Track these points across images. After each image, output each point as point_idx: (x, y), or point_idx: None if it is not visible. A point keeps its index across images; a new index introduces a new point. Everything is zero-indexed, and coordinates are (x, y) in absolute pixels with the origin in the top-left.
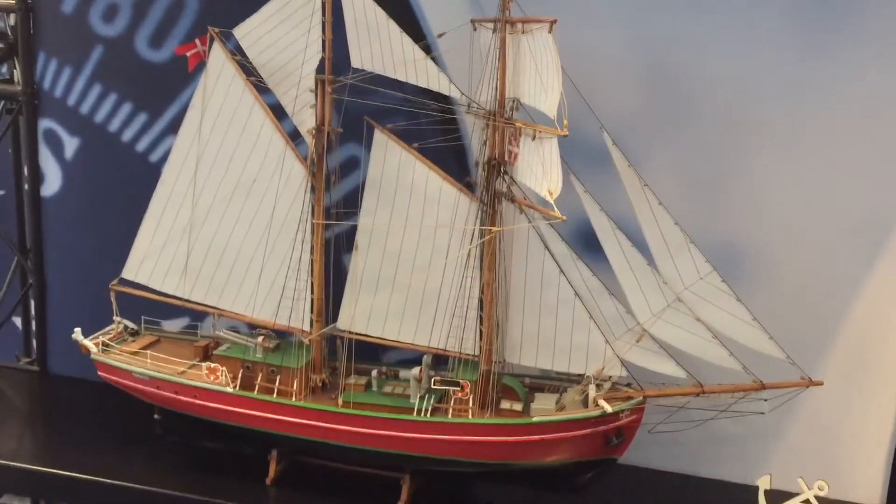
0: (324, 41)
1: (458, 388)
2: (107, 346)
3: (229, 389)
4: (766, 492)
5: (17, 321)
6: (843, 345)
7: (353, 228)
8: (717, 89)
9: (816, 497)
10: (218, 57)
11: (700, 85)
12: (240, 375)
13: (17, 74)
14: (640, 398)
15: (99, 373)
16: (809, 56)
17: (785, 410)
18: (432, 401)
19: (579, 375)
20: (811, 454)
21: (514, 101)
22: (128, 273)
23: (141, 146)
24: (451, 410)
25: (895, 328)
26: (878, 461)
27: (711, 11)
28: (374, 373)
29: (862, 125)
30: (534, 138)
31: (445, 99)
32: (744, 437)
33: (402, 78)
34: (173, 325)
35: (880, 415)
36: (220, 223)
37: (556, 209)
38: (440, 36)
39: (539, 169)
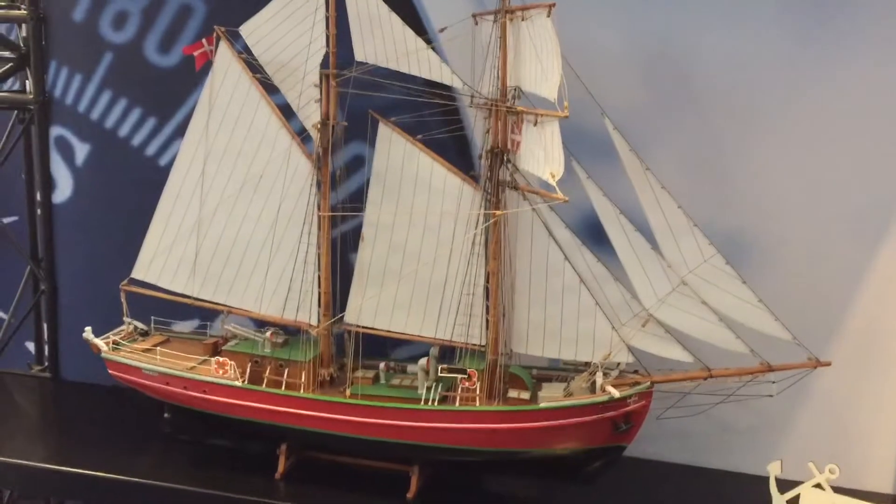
0: (328, 36)
1: (465, 377)
2: (117, 344)
3: (238, 383)
4: (776, 479)
5: (30, 345)
6: (852, 332)
7: (359, 228)
8: (719, 78)
9: (828, 482)
10: (224, 55)
11: (701, 74)
12: (248, 370)
13: (28, 84)
14: (648, 383)
15: (109, 371)
16: (812, 42)
17: (795, 400)
18: (440, 390)
19: (587, 365)
20: (821, 444)
21: (515, 90)
22: (137, 273)
23: (150, 150)
24: (458, 399)
25: None
26: (889, 449)
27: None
28: (382, 366)
29: (867, 110)
30: (535, 123)
31: (449, 92)
32: (754, 427)
33: (405, 70)
34: (184, 327)
35: (891, 403)
36: (227, 220)
37: (558, 191)
38: (441, 31)
39: (541, 153)
